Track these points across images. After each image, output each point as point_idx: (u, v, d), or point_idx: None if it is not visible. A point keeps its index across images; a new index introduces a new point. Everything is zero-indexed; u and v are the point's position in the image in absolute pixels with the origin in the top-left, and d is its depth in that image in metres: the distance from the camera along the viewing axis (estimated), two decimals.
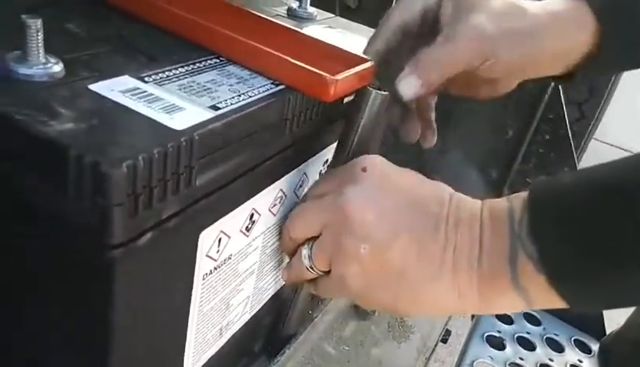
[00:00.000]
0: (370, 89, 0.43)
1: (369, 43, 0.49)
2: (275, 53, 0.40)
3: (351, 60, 0.43)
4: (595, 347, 0.85)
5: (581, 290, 0.34)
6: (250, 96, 0.37)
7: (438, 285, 0.38)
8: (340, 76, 0.39)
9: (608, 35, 0.46)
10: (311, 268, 0.42)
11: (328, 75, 0.38)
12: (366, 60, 0.43)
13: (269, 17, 0.47)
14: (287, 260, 0.48)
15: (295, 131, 0.42)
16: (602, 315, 0.89)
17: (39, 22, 0.31)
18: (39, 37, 0.32)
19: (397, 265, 0.38)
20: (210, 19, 0.42)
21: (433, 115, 0.54)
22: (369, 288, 0.40)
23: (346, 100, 0.46)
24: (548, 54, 0.47)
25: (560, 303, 0.35)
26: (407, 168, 0.42)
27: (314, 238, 0.42)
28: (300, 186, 0.48)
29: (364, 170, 0.40)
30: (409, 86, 0.44)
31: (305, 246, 0.43)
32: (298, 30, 0.48)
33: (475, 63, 0.45)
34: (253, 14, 0.48)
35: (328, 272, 0.42)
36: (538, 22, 0.46)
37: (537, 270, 0.34)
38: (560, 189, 0.35)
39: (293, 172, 0.46)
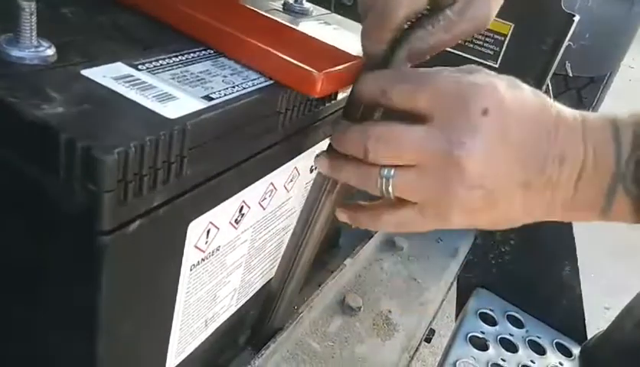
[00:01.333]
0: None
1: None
2: (264, 46, 0.39)
3: (341, 56, 0.43)
4: (576, 351, 0.86)
5: None
6: (244, 88, 0.37)
7: (533, 213, 0.40)
8: (327, 71, 0.39)
9: None
10: (386, 192, 0.39)
11: (315, 70, 0.38)
12: (356, 57, 0.43)
13: (262, 12, 0.47)
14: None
15: (288, 125, 0.42)
16: (583, 319, 0.90)
17: (33, 4, 0.31)
18: (32, 20, 0.31)
19: (502, 204, 0.38)
20: (202, 11, 0.42)
21: None
22: (468, 221, 0.40)
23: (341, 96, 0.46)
24: None
25: (634, 223, 0.38)
26: (513, 80, 0.39)
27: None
28: (291, 181, 0.48)
29: (484, 113, 0.36)
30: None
31: (385, 170, 0.39)
32: (291, 25, 0.48)
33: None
34: (247, 8, 0.48)
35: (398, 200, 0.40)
36: None
37: (632, 205, 0.37)
38: None
39: (284, 166, 0.46)
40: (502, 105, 0.37)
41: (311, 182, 0.52)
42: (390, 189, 0.39)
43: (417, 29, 0.41)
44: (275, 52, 0.39)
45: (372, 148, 0.39)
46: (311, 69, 0.38)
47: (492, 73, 0.39)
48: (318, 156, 0.44)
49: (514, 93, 0.37)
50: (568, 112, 0.39)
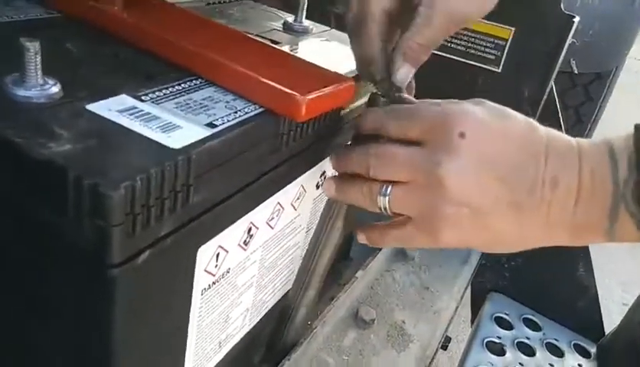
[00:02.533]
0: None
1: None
2: (247, 72, 0.39)
3: (329, 78, 0.43)
4: (594, 351, 0.86)
5: None
6: (247, 112, 0.38)
7: (531, 236, 0.41)
8: (311, 96, 0.39)
9: None
10: (385, 210, 0.43)
11: (298, 94, 0.38)
12: (345, 78, 0.44)
13: (252, 36, 0.47)
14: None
15: (292, 144, 0.42)
16: (600, 318, 0.89)
17: (37, 44, 0.32)
18: (37, 59, 0.32)
19: (494, 226, 0.40)
20: (188, 39, 0.42)
21: None
22: (462, 242, 0.42)
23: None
24: None
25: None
26: (501, 109, 0.41)
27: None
28: (298, 199, 0.49)
29: (461, 135, 0.39)
30: (405, 75, 0.45)
31: (384, 188, 0.42)
32: (280, 48, 0.48)
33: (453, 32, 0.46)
34: (237, 32, 0.48)
35: (398, 215, 0.43)
36: None
37: (637, 226, 0.37)
38: None
39: (290, 185, 0.46)
40: (479, 128, 0.40)
41: (319, 198, 0.53)
42: (387, 204, 0.42)
43: (401, 32, 0.43)
44: (258, 77, 0.39)
45: (373, 164, 0.42)
46: (294, 93, 0.38)
47: (482, 102, 0.42)
48: (324, 183, 0.47)
49: (496, 120, 0.40)
50: (561, 138, 0.40)
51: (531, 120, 0.41)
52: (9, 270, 0.34)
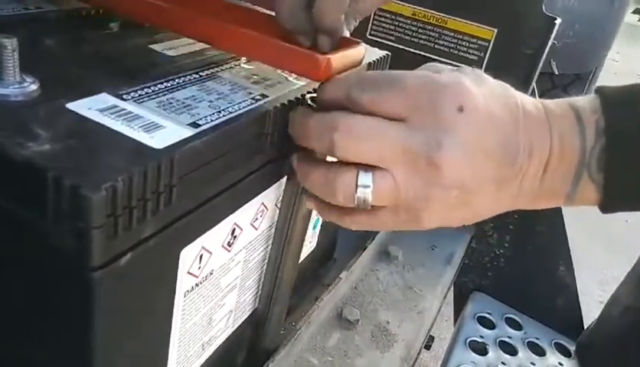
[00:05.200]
0: None
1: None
2: (266, 37, 0.40)
3: (341, 41, 0.43)
4: (574, 349, 0.87)
5: (623, 206, 0.39)
6: (230, 112, 0.37)
7: (501, 205, 0.39)
8: (330, 56, 0.39)
9: None
10: (363, 203, 0.36)
11: (319, 54, 0.39)
12: (356, 43, 0.43)
13: (255, 7, 0.48)
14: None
15: (276, 144, 0.42)
16: (581, 317, 0.90)
17: (14, 41, 0.31)
18: (15, 57, 0.31)
19: (477, 204, 0.38)
20: (197, 9, 0.42)
21: None
22: (440, 221, 0.39)
23: None
24: None
25: (593, 205, 0.39)
26: (478, 73, 0.38)
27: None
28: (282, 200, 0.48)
29: (460, 109, 0.35)
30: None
31: (362, 177, 0.36)
32: None
33: None
34: (240, 5, 0.48)
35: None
36: None
37: (596, 191, 0.38)
38: (636, 121, 0.36)
39: (274, 185, 0.46)
40: (475, 102, 0.35)
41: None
42: (370, 198, 0.36)
43: None
44: (277, 40, 0.40)
45: (340, 141, 0.35)
46: (314, 53, 0.39)
47: (455, 68, 0.39)
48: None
49: (482, 89, 0.36)
50: (528, 100, 0.38)
51: (500, 82, 0.39)
52: None
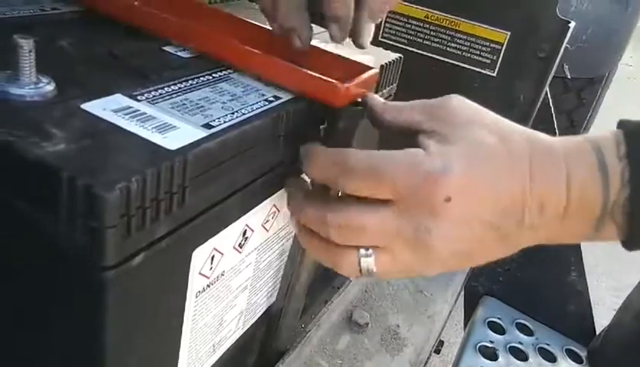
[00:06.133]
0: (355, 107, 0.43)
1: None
2: (288, 64, 0.42)
3: (355, 67, 0.46)
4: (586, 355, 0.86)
5: None
6: (244, 114, 0.37)
7: (512, 250, 0.39)
8: (349, 84, 0.41)
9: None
10: (368, 272, 0.38)
11: (338, 83, 0.41)
12: (368, 68, 0.46)
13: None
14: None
15: (289, 146, 0.42)
16: (593, 323, 0.89)
17: (31, 42, 0.31)
18: (31, 57, 0.31)
19: (480, 257, 0.39)
20: (219, 30, 0.45)
21: None
22: (442, 271, 0.40)
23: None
24: None
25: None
26: (480, 130, 0.37)
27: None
28: None
29: (447, 200, 0.35)
30: (370, 35, 0.46)
31: (364, 252, 0.38)
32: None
33: None
34: (255, 24, 0.50)
35: None
36: None
37: (617, 233, 0.37)
38: None
39: None
40: (464, 188, 0.36)
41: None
42: (374, 269, 0.38)
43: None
44: (298, 68, 0.42)
45: (335, 235, 0.37)
46: (334, 82, 0.41)
47: (449, 138, 0.37)
48: (288, 205, 0.42)
49: (476, 167, 0.36)
50: (543, 141, 0.37)
51: (502, 128, 0.37)
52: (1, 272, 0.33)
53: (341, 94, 0.41)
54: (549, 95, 0.83)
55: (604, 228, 0.38)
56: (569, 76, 1.89)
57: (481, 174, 0.36)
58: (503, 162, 0.36)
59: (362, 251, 0.38)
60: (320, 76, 0.41)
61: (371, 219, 0.37)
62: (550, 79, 0.81)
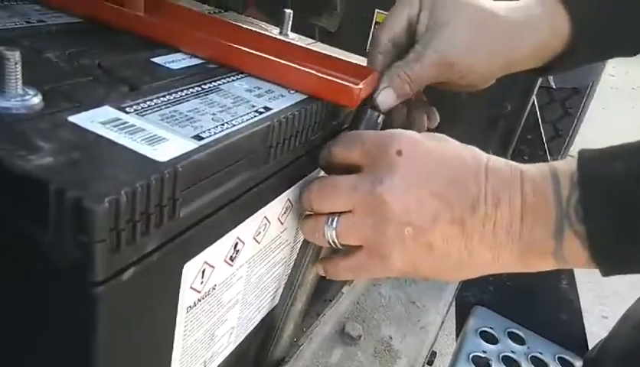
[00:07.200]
0: (367, 107, 0.47)
1: (369, 58, 0.51)
2: (304, 68, 0.45)
3: (362, 69, 0.49)
4: (578, 364, 0.86)
5: (619, 266, 0.38)
6: (234, 125, 0.37)
7: (479, 258, 0.40)
8: (362, 85, 0.44)
9: (581, 34, 0.49)
10: (334, 242, 0.43)
11: (353, 84, 0.43)
12: (370, 69, 0.49)
13: (273, 35, 0.52)
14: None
15: (279, 157, 0.41)
16: (584, 332, 0.89)
17: (17, 54, 0.31)
18: (17, 69, 0.31)
19: (439, 246, 0.40)
20: (236, 41, 0.46)
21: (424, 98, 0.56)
22: (412, 265, 0.41)
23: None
24: (523, 56, 0.50)
25: (592, 267, 0.38)
26: (440, 135, 0.43)
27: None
28: (284, 213, 0.48)
29: (399, 153, 0.40)
30: (385, 99, 0.47)
31: (329, 220, 0.43)
32: (307, 46, 0.52)
33: (444, 78, 0.48)
34: (271, 35, 0.53)
35: (348, 247, 0.43)
36: (512, 27, 0.49)
37: (582, 246, 0.37)
38: (610, 172, 0.37)
39: (277, 199, 0.45)
40: (416, 147, 0.41)
41: (305, 212, 0.52)
42: (335, 235, 0.42)
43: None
44: (314, 72, 0.44)
45: (315, 199, 0.44)
46: (349, 83, 0.44)
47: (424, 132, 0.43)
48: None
49: (434, 142, 0.42)
50: (501, 160, 0.41)
51: (473, 149, 0.42)
52: None
53: (356, 95, 0.43)
54: (536, 105, 0.83)
55: (566, 241, 0.37)
56: (554, 86, 1.92)
57: (438, 150, 0.41)
58: (460, 153, 0.41)
59: (330, 217, 0.42)
60: (335, 79, 0.44)
61: (342, 179, 0.42)
62: (536, 89, 0.81)
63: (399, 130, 0.42)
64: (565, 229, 0.37)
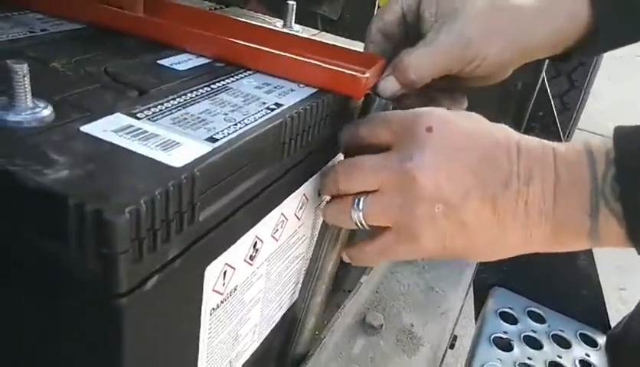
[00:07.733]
0: (374, 96, 0.47)
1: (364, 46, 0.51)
2: (312, 61, 0.44)
3: (368, 58, 0.48)
4: (600, 340, 0.85)
5: None
6: (247, 124, 0.36)
7: (511, 236, 0.39)
8: (367, 75, 0.43)
9: (601, 20, 0.47)
10: (361, 224, 0.42)
11: (359, 74, 0.42)
12: (379, 58, 0.48)
13: (277, 28, 0.52)
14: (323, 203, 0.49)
15: (293, 153, 0.41)
16: (604, 307, 0.89)
17: (25, 67, 0.30)
18: (26, 82, 0.30)
19: (471, 223, 0.39)
20: (241, 38, 0.46)
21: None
22: (442, 245, 0.40)
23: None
24: (538, 42, 0.48)
25: (628, 246, 0.37)
26: (470, 113, 0.42)
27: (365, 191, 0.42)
28: (301, 208, 0.47)
29: (429, 130, 0.39)
30: (387, 86, 0.46)
31: (356, 201, 0.41)
32: (308, 37, 0.52)
33: (457, 68, 0.46)
34: (274, 29, 0.53)
35: (375, 229, 0.42)
36: (526, 11, 0.46)
37: (619, 225, 0.36)
38: None
39: (293, 195, 0.45)
40: (447, 124, 0.40)
41: (320, 206, 0.51)
42: (362, 217, 0.41)
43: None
44: (319, 63, 0.44)
45: (342, 180, 0.43)
46: (355, 73, 0.43)
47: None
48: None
49: (464, 119, 0.41)
50: (534, 138, 0.40)
51: (504, 127, 0.41)
52: (10, 305, 0.32)
53: (363, 85, 0.42)
54: (546, 83, 0.82)
55: (602, 220, 0.37)
56: None
57: (468, 126, 0.40)
58: (492, 130, 0.40)
59: (355, 201, 0.41)
60: (340, 69, 0.43)
61: (369, 158, 0.42)
62: (545, 65, 0.80)
63: (427, 108, 0.41)
64: (600, 208, 0.36)
